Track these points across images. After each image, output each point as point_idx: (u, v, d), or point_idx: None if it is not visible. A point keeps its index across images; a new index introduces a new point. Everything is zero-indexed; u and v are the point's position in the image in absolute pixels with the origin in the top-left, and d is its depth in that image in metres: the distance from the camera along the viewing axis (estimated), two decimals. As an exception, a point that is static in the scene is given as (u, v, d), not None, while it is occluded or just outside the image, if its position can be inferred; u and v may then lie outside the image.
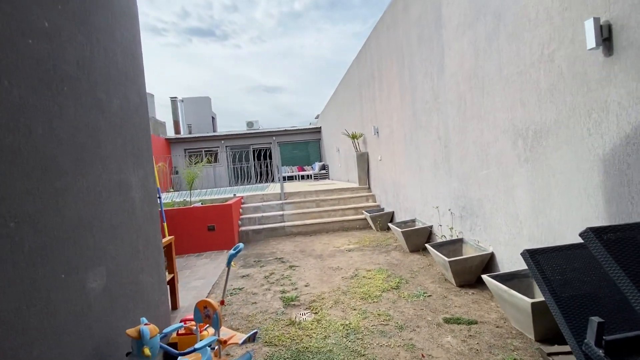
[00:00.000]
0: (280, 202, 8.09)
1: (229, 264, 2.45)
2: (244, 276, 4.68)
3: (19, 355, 1.32)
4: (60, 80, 1.69)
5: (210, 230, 6.40)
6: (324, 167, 16.59)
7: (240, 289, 4.16)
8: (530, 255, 1.98)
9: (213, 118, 22.64)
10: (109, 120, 2.16)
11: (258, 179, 16.36)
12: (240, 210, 7.80)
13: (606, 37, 2.10)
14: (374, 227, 7.05)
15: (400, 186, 6.51)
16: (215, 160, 17.43)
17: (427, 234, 5.22)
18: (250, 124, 19.80)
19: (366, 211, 7.36)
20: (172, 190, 12.57)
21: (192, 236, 6.32)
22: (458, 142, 4.21)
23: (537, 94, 2.79)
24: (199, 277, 4.84)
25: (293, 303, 3.61)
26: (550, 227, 2.80)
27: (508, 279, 2.87)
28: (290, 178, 16.76)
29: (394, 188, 6.84)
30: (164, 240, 3.49)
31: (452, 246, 4.19)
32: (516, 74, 3.02)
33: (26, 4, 1.51)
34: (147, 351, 1.75)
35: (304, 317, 3.26)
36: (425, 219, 5.47)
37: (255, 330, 2.30)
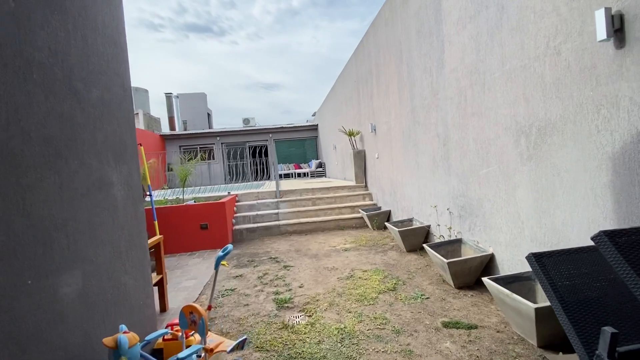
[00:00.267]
0: (276, 200, 7.95)
1: (217, 267, 2.31)
2: (236, 276, 4.54)
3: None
4: (27, 66, 1.54)
5: (203, 228, 6.25)
6: (320, 165, 16.46)
7: (232, 290, 4.03)
8: (536, 258, 1.86)
9: (209, 114, 22.39)
10: (87, 112, 2.01)
11: (254, 177, 16.20)
12: (235, 208, 7.66)
13: (618, 27, 1.98)
14: (370, 226, 6.93)
15: (397, 184, 6.39)
16: (211, 157, 17.23)
17: (425, 233, 5.11)
18: (246, 121, 19.59)
19: (363, 210, 7.24)
20: (166, 187, 12.36)
21: (184, 235, 6.17)
22: (457, 140, 4.09)
23: (541, 89, 2.67)
24: (191, 277, 4.70)
25: (286, 305, 3.48)
26: (553, 228, 2.69)
27: (509, 281, 2.76)
28: (287, 176, 16.61)
29: (391, 186, 6.72)
30: (151, 240, 3.35)
31: (451, 247, 4.08)
32: (520, 68, 2.90)
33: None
34: (124, 362, 1.62)
35: (297, 320, 3.13)
36: (422, 219, 5.36)
37: (245, 337, 2.18)
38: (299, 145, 18.39)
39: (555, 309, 1.72)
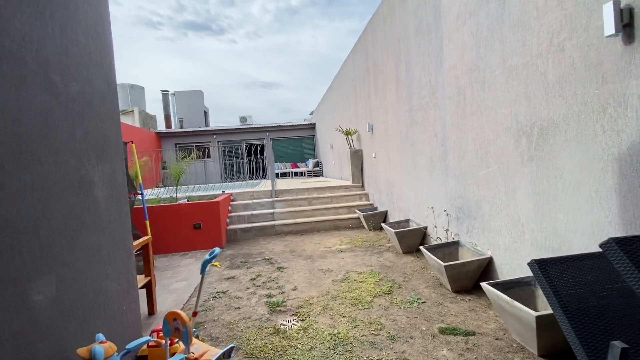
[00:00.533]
0: (271, 199, 7.83)
1: (203, 272, 2.20)
2: (228, 278, 4.43)
3: None
4: (-7, 55, 1.42)
5: (196, 228, 6.13)
6: (317, 164, 16.33)
7: (223, 293, 3.91)
8: (539, 265, 1.76)
9: (205, 112, 22.18)
10: (65, 107, 1.89)
11: (250, 176, 16.05)
12: (229, 207, 7.53)
13: (627, 22, 1.88)
14: (366, 227, 6.83)
15: (394, 185, 6.29)
16: (206, 155, 17.07)
17: (422, 235, 5.01)
18: (243, 119, 19.43)
19: (359, 210, 7.14)
20: (161, 185, 12.20)
21: (176, 235, 6.04)
22: (456, 140, 3.99)
23: (544, 87, 2.57)
24: (182, 278, 4.58)
25: (279, 309, 3.37)
26: (555, 231, 2.59)
27: (509, 287, 2.66)
28: (284, 175, 16.47)
29: (388, 187, 6.62)
30: (139, 241, 3.23)
31: (448, 249, 3.98)
32: (521, 66, 2.80)
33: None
34: (98, 375, 1.50)
35: (289, 324, 3.02)
36: (419, 220, 5.26)
37: (232, 345, 2.07)
38: (296, 144, 18.25)
39: (560, 319, 1.63)
